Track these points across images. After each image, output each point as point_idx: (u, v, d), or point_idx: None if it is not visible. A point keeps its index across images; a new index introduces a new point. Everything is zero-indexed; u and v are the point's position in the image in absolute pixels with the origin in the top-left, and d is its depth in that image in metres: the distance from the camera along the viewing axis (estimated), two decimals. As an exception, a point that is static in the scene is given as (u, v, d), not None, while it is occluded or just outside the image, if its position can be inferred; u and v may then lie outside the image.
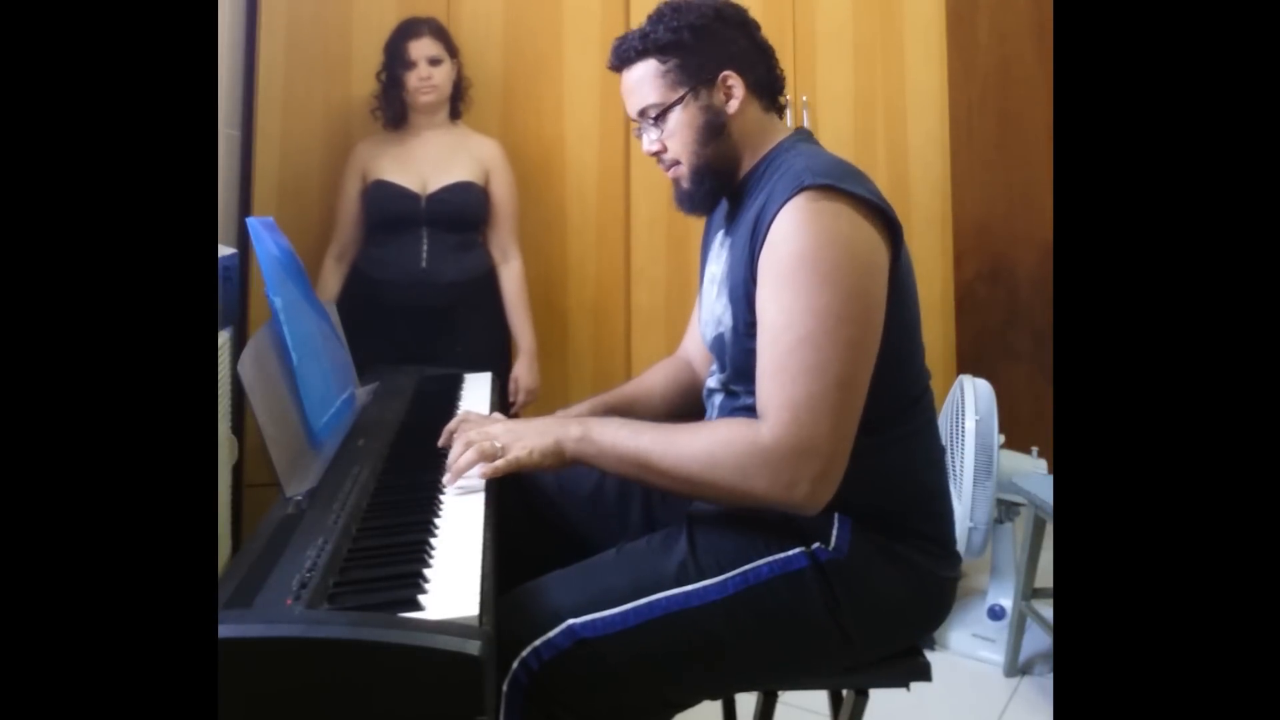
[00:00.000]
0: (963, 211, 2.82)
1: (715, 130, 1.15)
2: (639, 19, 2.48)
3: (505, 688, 0.96)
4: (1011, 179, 3.23)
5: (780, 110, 1.22)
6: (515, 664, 0.97)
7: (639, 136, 1.21)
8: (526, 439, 1.10)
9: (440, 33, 2.19)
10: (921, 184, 2.53)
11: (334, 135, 2.34)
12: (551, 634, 0.98)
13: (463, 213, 2.20)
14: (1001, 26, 3.25)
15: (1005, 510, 2.22)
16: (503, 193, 2.26)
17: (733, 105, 1.16)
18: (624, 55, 1.19)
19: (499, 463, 1.09)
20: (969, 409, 2.09)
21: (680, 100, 1.15)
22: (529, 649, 0.97)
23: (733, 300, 1.12)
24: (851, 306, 1.01)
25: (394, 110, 2.20)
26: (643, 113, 1.18)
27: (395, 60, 2.16)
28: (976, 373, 2.21)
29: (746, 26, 1.19)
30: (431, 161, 2.20)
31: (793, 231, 1.03)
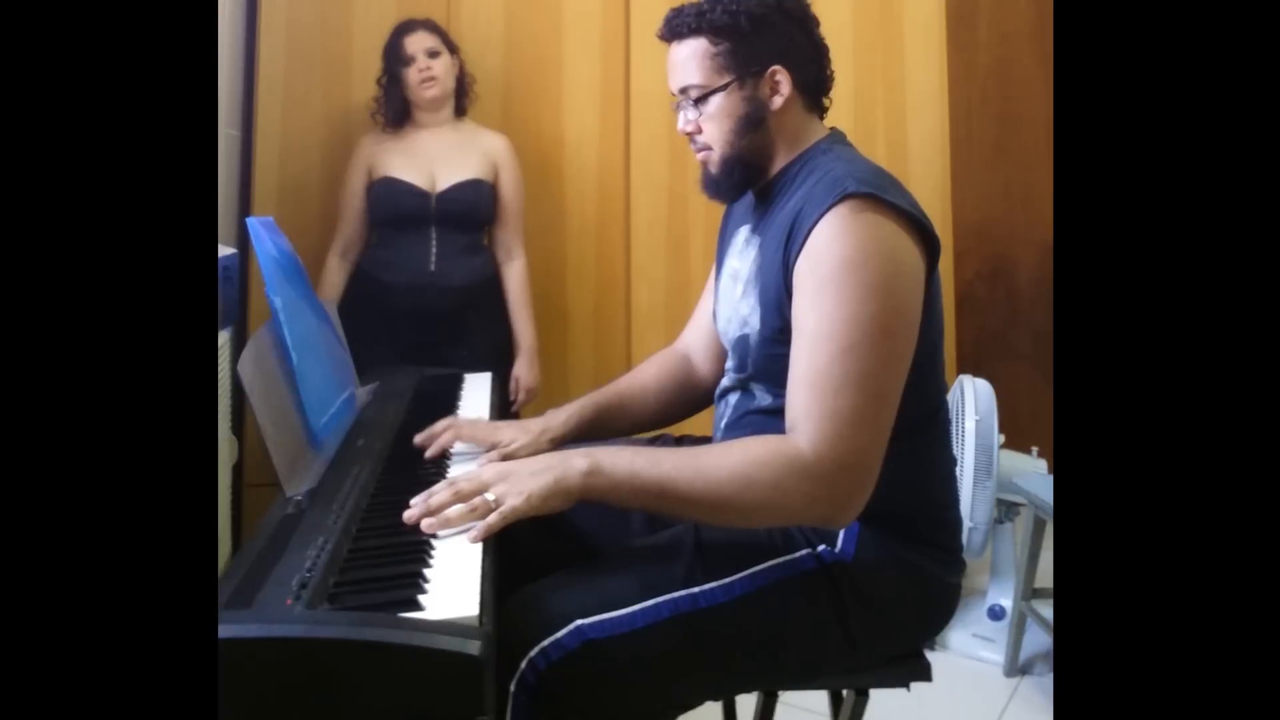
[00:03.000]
0: (963, 211, 2.82)
1: (754, 123, 1.13)
2: (639, 19, 2.52)
3: (513, 688, 0.96)
4: (1011, 179, 3.23)
5: (823, 110, 1.20)
6: (523, 664, 0.96)
7: (676, 111, 1.18)
8: (522, 482, 0.99)
9: (437, 29, 2.19)
10: (921, 184, 2.53)
11: (334, 135, 2.34)
12: (559, 634, 0.97)
13: (473, 211, 2.18)
14: (1001, 26, 3.25)
15: (1005, 510, 2.22)
16: (511, 189, 2.24)
17: (776, 101, 1.13)
18: (675, 29, 1.15)
19: (492, 519, 0.97)
20: (969, 409, 2.09)
21: (724, 87, 1.12)
22: (537, 649, 0.97)
23: (763, 304, 1.10)
24: (894, 320, 0.99)
25: (395, 109, 2.18)
26: (684, 91, 1.15)
27: (393, 59, 2.15)
28: (976, 373, 2.21)
29: (805, 22, 1.17)
30: (440, 158, 2.17)
31: (836, 239, 1.00)
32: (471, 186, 2.16)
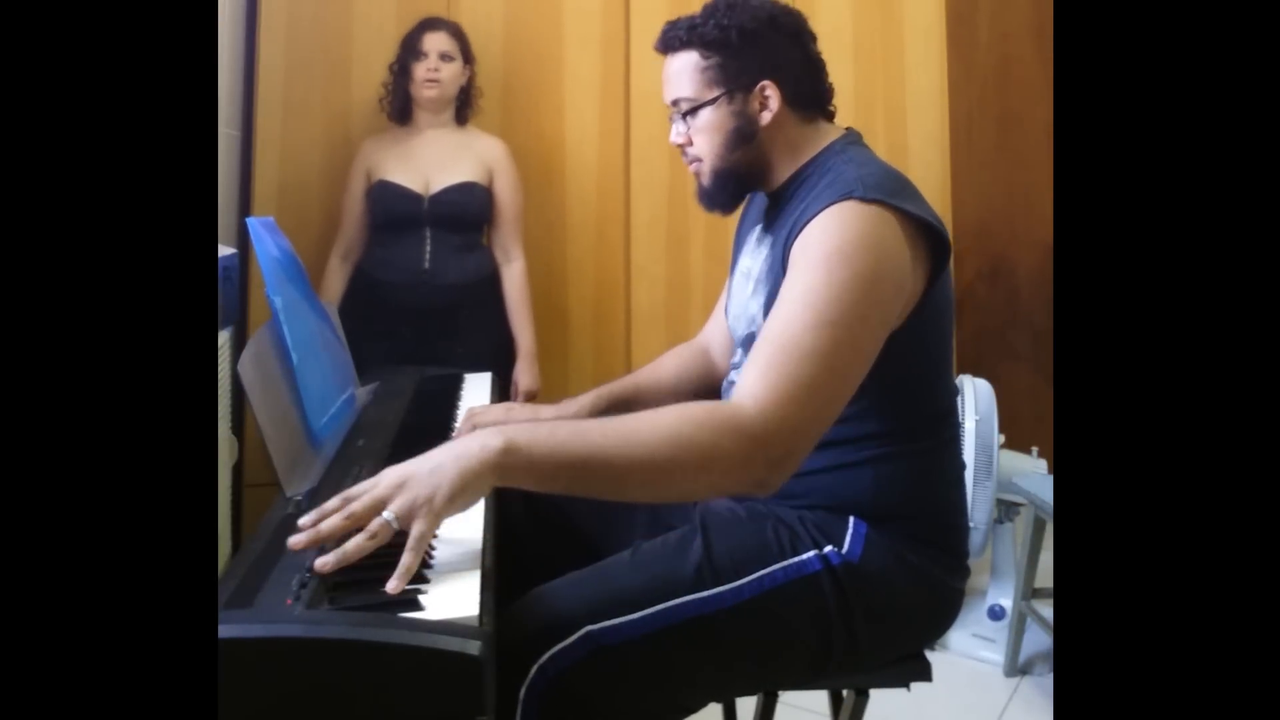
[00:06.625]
0: (963, 211, 2.82)
1: (744, 138, 1.14)
2: (639, 19, 2.52)
3: (522, 693, 0.95)
4: (1011, 179, 3.22)
5: (829, 116, 1.20)
6: (533, 670, 0.95)
7: (672, 122, 1.19)
8: (420, 488, 0.87)
9: (459, 34, 2.22)
10: (921, 184, 2.47)
11: (334, 136, 2.34)
12: (569, 640, 0.97)
13: (465, 213, 2.20)
14: (1001, 26, 3.24)
15: (1005, 510, 2.22)
16: (506, 193, 2.26)
17: (765, 116, 1.14)
18: (668, 42, 1.16)
19: (407, 559, 0.85)
20: (969, 409, 2.09)
21: (713, 101, 1.13)
22: (546, 655, 0.96)
23: (769, 304, 1.10)
24: (873, 314, 0.99)
25: (399, 103, 2.21)
26: (675, 103, 1.16)
27: (408, 51, 2.18)
28: (976, 373, 2.21)
29: (800, 37, 1.16)
30: (435, 161, 2.20)
31: (831, 229, 1.01)
32: (464, 189, 2.19)
